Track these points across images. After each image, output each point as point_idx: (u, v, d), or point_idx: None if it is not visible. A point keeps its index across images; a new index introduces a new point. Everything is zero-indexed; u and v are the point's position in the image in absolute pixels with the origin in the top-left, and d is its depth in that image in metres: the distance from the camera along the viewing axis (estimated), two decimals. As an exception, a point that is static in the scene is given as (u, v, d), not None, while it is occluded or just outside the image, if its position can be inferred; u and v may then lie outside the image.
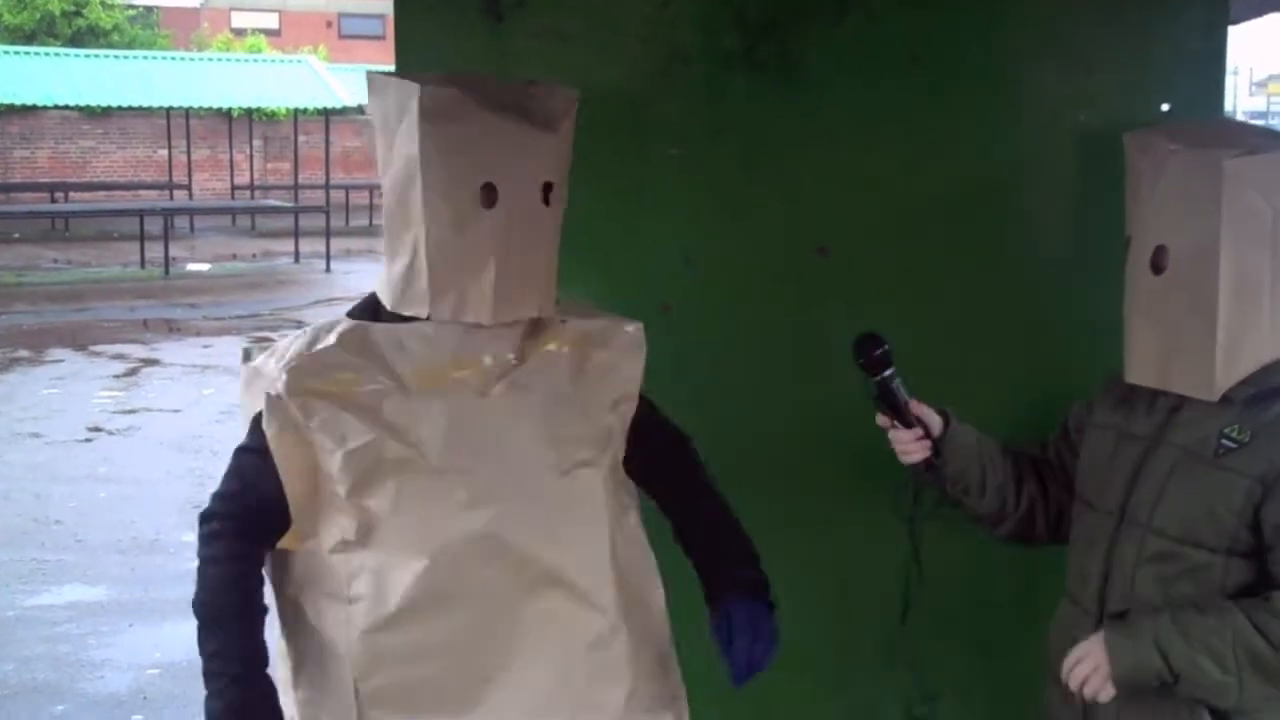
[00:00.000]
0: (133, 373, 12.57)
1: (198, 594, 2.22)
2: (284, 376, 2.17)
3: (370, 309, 2.31)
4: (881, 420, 2.51)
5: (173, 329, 15.26)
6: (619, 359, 2.35)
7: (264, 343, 2.47)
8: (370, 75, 2.29)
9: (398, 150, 2.21)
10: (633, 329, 2.38)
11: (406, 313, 2.23)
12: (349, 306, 2.36)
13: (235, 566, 2.21)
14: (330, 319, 2.30)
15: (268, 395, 2.18)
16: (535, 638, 2.22)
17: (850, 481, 2.89)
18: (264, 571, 2.24)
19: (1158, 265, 2.31)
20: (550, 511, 2.23)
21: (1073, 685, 2.32)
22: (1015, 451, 2.62)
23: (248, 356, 2.32)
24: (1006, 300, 2.91)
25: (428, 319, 2.21)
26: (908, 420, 2.49)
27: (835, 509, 2.66)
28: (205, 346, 14.04)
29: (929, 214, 2.90)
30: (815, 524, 2.93)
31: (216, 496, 2.25)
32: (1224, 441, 2.28)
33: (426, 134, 2.17)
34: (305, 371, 2.18)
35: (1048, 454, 2.63)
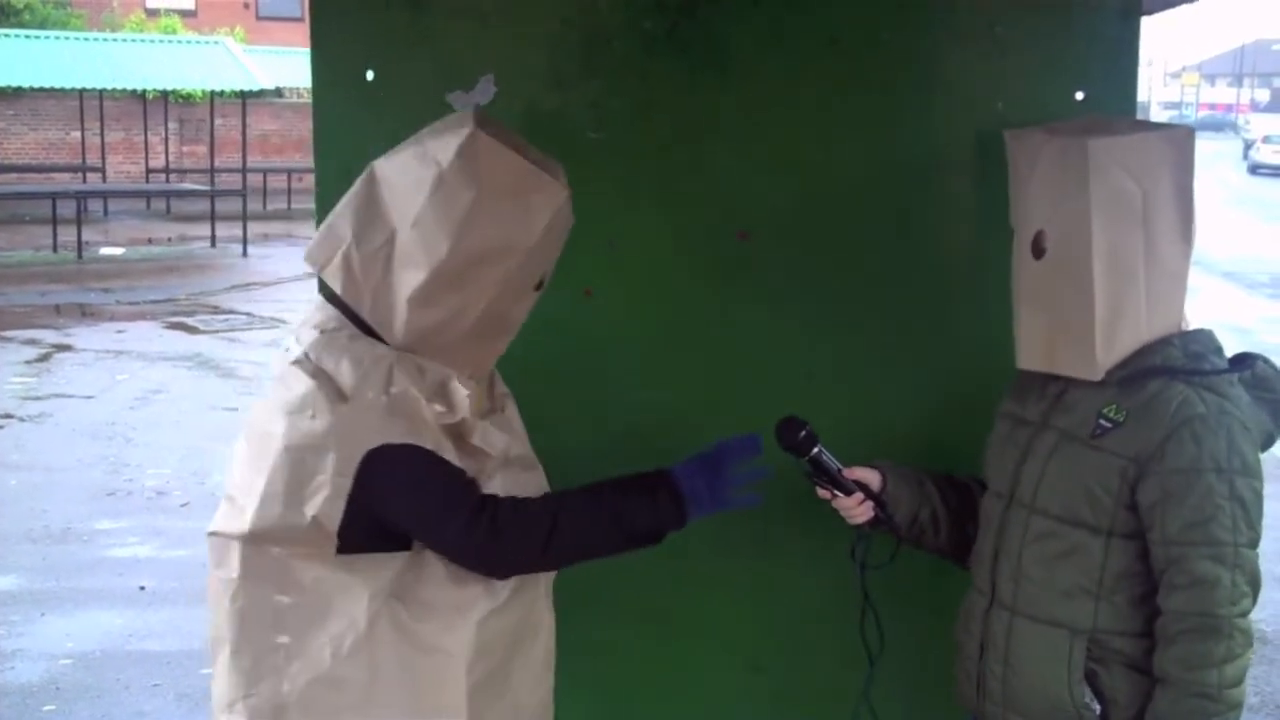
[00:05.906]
0: (45, 358, 12.35)
1: (565, 526, 2.26)
2: (465, 400, 2.26)
3: (367, 330, 2.32)
4: (822, 493, 2.56)
5: (86, 314, 15.01)
6: None
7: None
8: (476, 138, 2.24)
9: (492, 226, 2.24)
10: None
11: (424, 359, 2.29)
12: (328, 316, 2.34)
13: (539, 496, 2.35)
14: (381, 350, 2.29)
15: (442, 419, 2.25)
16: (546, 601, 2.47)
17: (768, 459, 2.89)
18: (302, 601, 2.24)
19: (1038, 249, 2.39)
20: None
21: None
22: (959, 481, 2.67)
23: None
24: (924, 285, 2.93)
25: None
26: (846, 487, 2.55)
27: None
28: (119, 332, 13.82)
29: (848, 198, 2.91)
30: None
31: (471, 484, 2.27)
32: (1101, 422, 2.35)
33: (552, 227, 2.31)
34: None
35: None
